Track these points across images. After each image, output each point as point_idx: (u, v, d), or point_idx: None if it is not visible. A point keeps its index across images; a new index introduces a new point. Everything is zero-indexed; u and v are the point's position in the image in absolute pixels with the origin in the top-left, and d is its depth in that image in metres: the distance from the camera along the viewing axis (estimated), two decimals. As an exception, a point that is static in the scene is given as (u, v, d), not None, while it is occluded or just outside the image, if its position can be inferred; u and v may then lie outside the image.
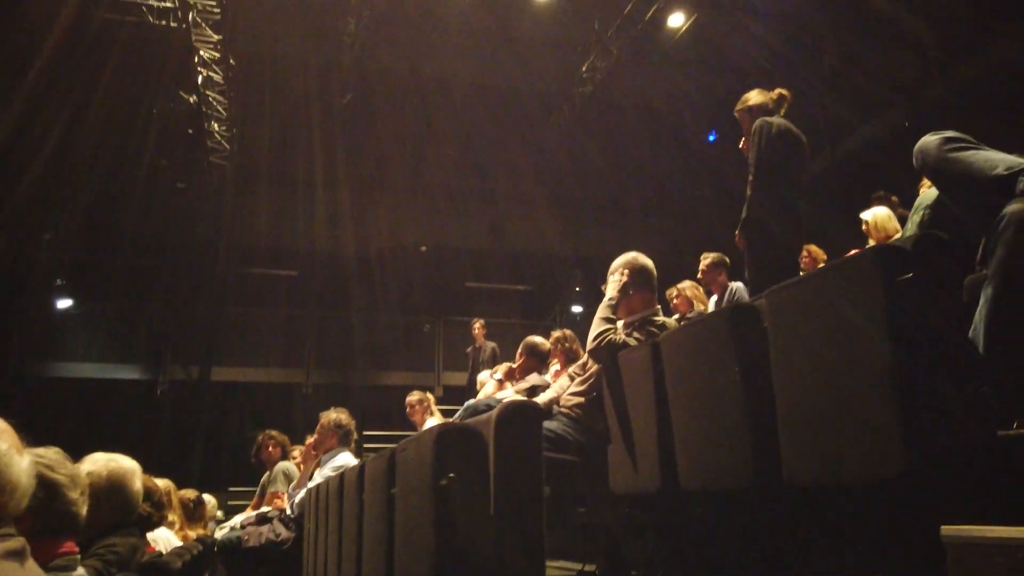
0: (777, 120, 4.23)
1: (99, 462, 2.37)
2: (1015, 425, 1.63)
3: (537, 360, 4.68)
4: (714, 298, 5.99)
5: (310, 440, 4.98)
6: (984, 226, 1.84)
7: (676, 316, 6.03)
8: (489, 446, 1.47)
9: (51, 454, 1.76)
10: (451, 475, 1.36)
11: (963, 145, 2.00)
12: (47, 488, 1.65)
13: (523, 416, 1.56)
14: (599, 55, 11.77)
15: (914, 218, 2.59)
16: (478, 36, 12.48)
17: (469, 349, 10.45)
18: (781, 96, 4.39)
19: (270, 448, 5.89)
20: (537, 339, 4.74)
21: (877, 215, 4.88)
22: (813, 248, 5.77)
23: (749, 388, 2.04)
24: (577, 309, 14.21)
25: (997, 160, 1.89)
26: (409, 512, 1.63)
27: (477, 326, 10.20)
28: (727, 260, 6.01)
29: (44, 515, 1.64)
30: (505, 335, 10.84)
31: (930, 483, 1.57)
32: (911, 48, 10.86)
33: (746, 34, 11.99)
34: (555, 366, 4.75)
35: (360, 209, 13.83)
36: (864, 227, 5.02)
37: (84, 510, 1.78)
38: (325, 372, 13.24)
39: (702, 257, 6.12)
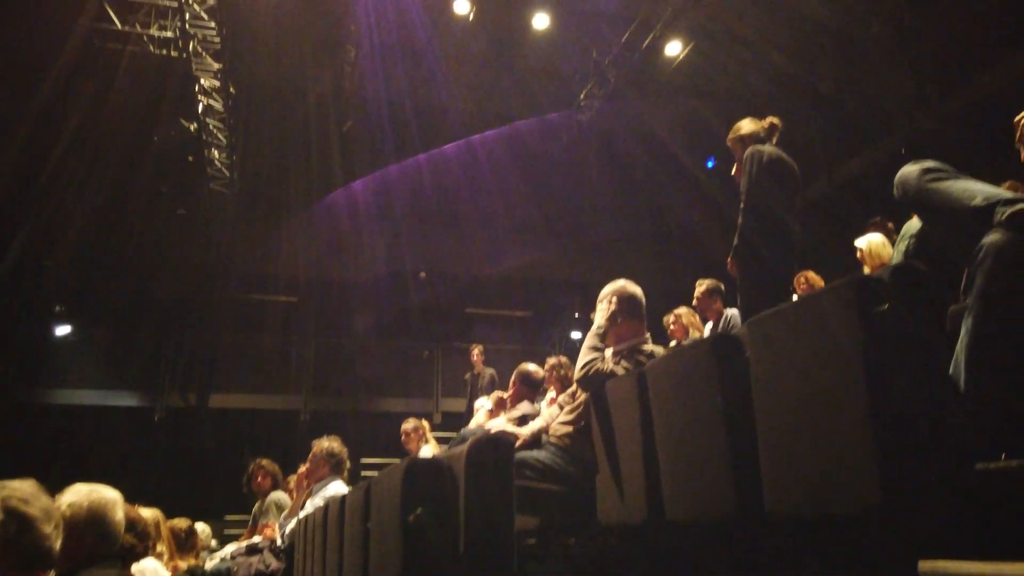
0: (768, 148, 4.26)
1: (80, 493, 2.36)
2: (1003, 457, 1.62)
3: (529, 388, 4.65)
4: (709, 324, 5.99)
5: (302, 469, 4.95)
6: (965, 256, 1.85)
7: (673, 343, 6.03)
8: (460, 481, 1.46)
9: (26, 487, 1.74)
10: (418, 511, 1.35)
11: (942, 175, 2.01)
12: (19, 522, 1.64)
13: (494, 450, 1.55)
14: (596, 83, 11.87)
15: (900, 247, 2.59)
16: (477, 64, 12.61)
17: (468, 375, 10.43)
18: (772, 125, 4.43)
19: (259, 478, 5.84)
20: (530, 367, 4.72)
21: (871, 242, 4.88)
22: (811, 275, 5.77)
23: (731, 418, 2.02)
24: (576, 335, 14.19)
25: (976, 190, 1.90)
26: (382, 547, 1.61)
27: (476, 352, 10.19)
28: (722, 287, 6.01)
29: (16, 550, 1.62)
30: (504, 361, 10.81)
31: (907, 517, 1.56)
32: (906, 78, 10.95)
33: (742, 62, 12.11)
34: (551, 393, 4.73)
35: (359, 235, 13.88)
36: (859, 254, 5.02)
37: (58, 544, 1.76)
38: (323, 399, 13.19)
39: (697, 284, 6.13)
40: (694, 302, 6.11)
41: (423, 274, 14.41)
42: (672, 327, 6.08)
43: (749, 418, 1.99)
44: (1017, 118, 2.25)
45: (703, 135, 13.32)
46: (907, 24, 10.62)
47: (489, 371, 10.06)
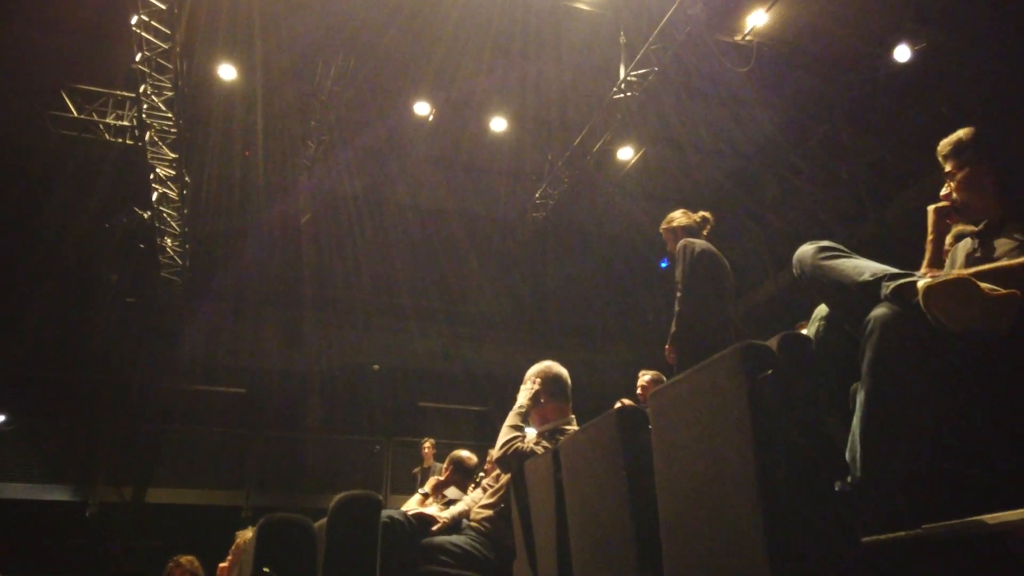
0: (700, 242, 4.39)
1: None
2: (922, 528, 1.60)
3: (462, 475, 4.54)
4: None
5: (223, 565, 4.71)
6: (858, 331, 1.89)
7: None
8: (321, 539, 1.39)
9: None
10: (265, 569, 1.27)
11: (835, 253, 2.08)
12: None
13: (360, 508, 1.49)
14: (551, 183, 12.21)
15: (810, 329, 2.64)
16: (437, 163, 12.94)
17: (416, 469, 10.15)
18: (704, 219, 4.59)
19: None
20: (463, 453, 4.63)
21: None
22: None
23: (635, 494, 1.99)
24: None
25: (864, 267, 1.96)
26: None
27: (427, 445, 9.95)
28: (664, 378, 6.02)
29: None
30: (456, 456, 10.57)
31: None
32: (845, 186, 11.49)
33: (692, 168, 12.61)
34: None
35: (313, 327, 13.76)
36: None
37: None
38: (267, 494, 12.69)
39: (640, 375, 6.13)
40: (638, 391, 6.10)
41: (376, 367, 14.24)
42: (639, 392, 6.06)
43: (652, 494, 1.96)
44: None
45: (656, 235, 13.67)
46: (844, 139, 11.23)
47: (439, 466, 9.79)
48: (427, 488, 4.50)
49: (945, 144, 2.27)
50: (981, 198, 2.15)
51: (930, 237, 2.29)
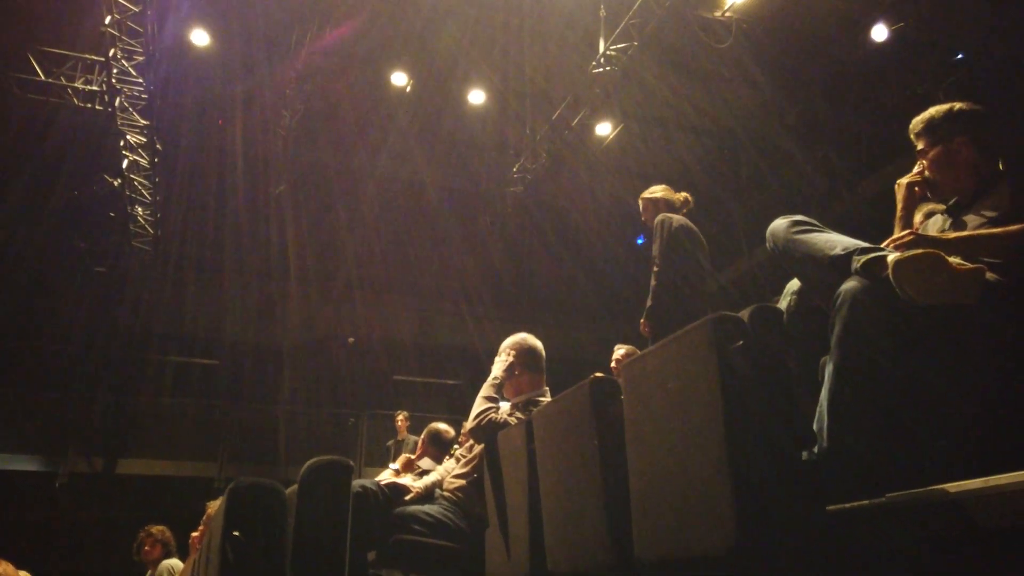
0: (678, 217, 4.41)
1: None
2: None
3: (438, 448, 4.54)
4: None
5: (195, 534, 4.70)
6: (828, 304, 1.90)
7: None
8: (291, 504, 1.39)
9: None
10: (235, 533, 1.27)
11: (808, 228, 2.09)
12: None
13: (331, 473, 1.49)
14: (529, 158, 12.15)
15: (782, 304, 2.66)
16: (413, 135, 12.81)
17: (390, 442, 10.15)
18: (686, 199, 4.63)
19: (148, 547, 5.52)
20: (441, 426, 4.61)
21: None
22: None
23: (606, 463, 2.01)
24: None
25: (836, 241, 1.97)
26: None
27: (400, 418, 9.94)
28: (639, 353, 6.07)
29: None
30: (430, 429, 10.59)
31: (762, 558, 1.55)
32: (821, 163, 11.56)
33: (670, 143, 12.62)
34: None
35: (287, 299, 13.65)
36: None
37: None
38: (240, 466, 12.65)
39: (615, 349, 6.17)
40: (612, 365, 6.14)
41: (351, 340, 14.19)
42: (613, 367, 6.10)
43: (623, 463, 1.98)
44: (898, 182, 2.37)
45: (634, 211, 13.69)
46: (821, 115, 11.28)
47: (413, 438, 9.79)
48: (398, 464, 4.51)
49: (918, 122, 2.27)
50: (953, 175, 2.16)
51: (899, 214, 2.29)
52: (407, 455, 4.76)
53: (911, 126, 2.30)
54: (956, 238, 1.91)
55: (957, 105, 2.21)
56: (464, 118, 12.46)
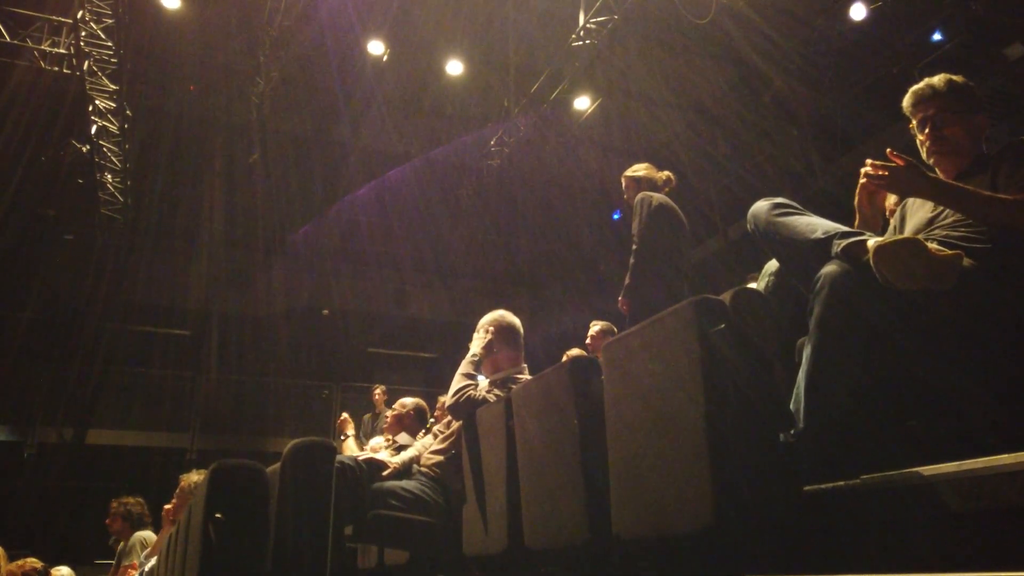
0: (658, 196, 4.41)
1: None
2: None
3: (416, 423, 4.58)
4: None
5: (168, 506, 4.68)
6: (808, 287, 1.91)
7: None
8: (273, 485, 1.38)
9: None
10: (218, 515, 1.26)
11: (789, 211, 2.09)
12: None
13: (315, 455, 1.48)
14: (507, 130, 12.07)
15: (760, 284, 2.68)
16: (390, 105, 12.65)
17: (367, 416, 10.14)
18: (668, 178, 4.62)
19: (120, 517, 5.48)
20: (408, 401, 4.67)
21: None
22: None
23: (586, 441, 2.02)
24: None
25: (817, 225, 1.98)
26: (189, 553, 1.51)
27: (378, 392, 9.91)
28: (615, 329, 6.10)
29: None
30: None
31: (738, 536, 1.57)
32: (797, 143, 11.63)
33: (647, 119, 12.59)
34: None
35: (260, 269, 13.51)
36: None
37: None
38: (213, 437, 12.60)
39: (591, 325, 6.19)
40: (587, 341, 6.16)
41: (326, 311, 14.11)
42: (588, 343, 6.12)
43: (603, 441, 1.99)
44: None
45: (612, 185, 13.72)
46: (799, 93, 11.31)
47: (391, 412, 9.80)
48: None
49: (915, 93, 2.15)
50: (951, 148, 2.11)
51: (857, 201, 2.23)
52: (387, 436, 4.77)
53: (909, 98, 2.16)
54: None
55: (965, 80, 2.14)
56: (442, 88, 12.32)
